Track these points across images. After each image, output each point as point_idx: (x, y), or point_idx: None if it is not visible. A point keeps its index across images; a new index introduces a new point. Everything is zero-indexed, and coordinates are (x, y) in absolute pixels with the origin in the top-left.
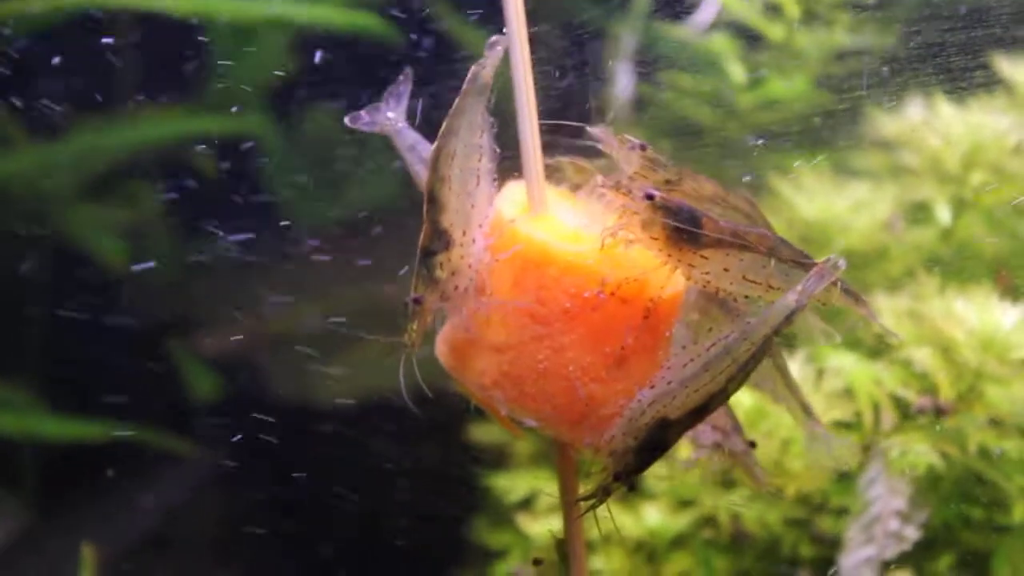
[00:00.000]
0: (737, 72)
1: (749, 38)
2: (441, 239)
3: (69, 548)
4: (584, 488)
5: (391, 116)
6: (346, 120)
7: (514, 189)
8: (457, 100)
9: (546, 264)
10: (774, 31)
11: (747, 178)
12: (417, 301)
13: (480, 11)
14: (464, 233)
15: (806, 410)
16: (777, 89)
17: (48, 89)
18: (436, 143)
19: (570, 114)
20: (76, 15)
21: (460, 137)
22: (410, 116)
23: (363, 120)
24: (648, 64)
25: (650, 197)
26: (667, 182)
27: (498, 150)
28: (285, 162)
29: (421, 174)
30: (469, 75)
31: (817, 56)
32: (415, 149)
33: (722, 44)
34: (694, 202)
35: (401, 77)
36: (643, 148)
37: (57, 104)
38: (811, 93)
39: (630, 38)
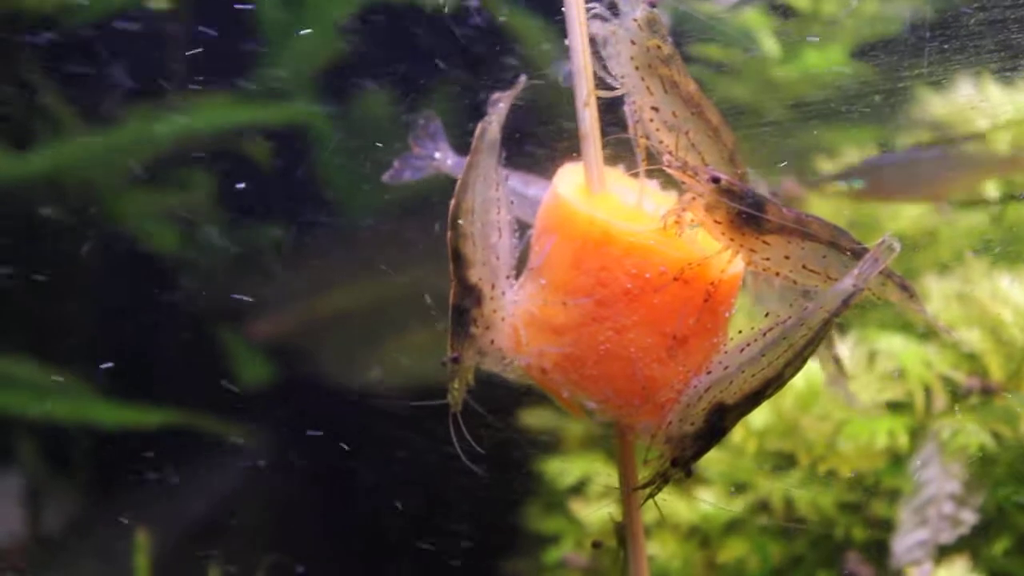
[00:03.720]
0: (772, 47)
1: (781, 11)
2: (471, 295)
3: (122, 533)
4: (642, 475)
5: (438, 156)
6: (384, 178)
7: (571, 170)
8: (469, 156)
9: (607, 244)
10: (820, 4)
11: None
12: (455, 360)
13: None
14: (493, 287)
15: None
16: (816, 62)
17: (101, 77)
18: (453, 200)
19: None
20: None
21: (476, 192)
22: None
23: (405, 172)
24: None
25: (716, 180)
26: (658, 47)
27: (513, 200)
28: (337, 147)
29: None
30: (477, 131)
31: (867, 31)
32: None
33: (757, 19)
34: (671, 88)
35: (421, 120)
36: (652, 5)
37: (111, 92)
38: (859, 70)
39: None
